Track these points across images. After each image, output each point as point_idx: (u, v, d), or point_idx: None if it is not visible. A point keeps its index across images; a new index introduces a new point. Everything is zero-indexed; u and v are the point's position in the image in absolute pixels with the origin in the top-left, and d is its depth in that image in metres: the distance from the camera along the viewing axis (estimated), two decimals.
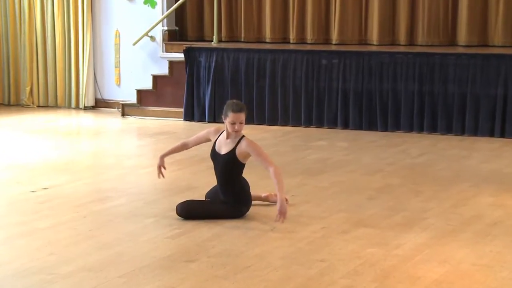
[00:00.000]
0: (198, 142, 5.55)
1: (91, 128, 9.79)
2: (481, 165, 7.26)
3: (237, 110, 5.19)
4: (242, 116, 5.21)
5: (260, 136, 8.89)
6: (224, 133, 5.36)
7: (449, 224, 5.28)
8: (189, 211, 5.30)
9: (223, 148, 5.32)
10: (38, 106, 11.18)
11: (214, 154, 5.38)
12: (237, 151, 5.25)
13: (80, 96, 11.03)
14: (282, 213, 5.01)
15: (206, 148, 8.12)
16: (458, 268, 4.41)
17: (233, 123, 5.20)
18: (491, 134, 8.67)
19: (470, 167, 7.20)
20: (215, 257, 4.58)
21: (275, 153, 7.88)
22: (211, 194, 5.56)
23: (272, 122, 9.60)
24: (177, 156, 7.69)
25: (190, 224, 5.25)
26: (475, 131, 8.76)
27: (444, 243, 4.87)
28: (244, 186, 5.36)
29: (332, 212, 5.56)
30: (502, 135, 8.62)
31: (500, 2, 9.40)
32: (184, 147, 5.61)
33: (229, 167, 5.28)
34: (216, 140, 5.40)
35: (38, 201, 5.88)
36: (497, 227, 5.22)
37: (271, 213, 5.52)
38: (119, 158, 7.73)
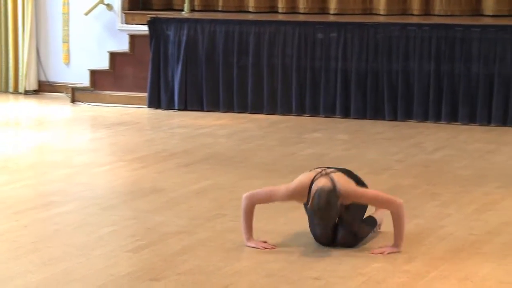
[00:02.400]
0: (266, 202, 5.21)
1: (34, 117, 9.77)
2: (511, 162, 7.31)
3: (318, 213, 4.83)
4: (327, 220, 4.87)
5: (242, 126, 8.92)
6: None
7: (472, 234, 5.32)
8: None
9: None
10: None
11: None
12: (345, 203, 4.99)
13: (20, 78, 11.00)
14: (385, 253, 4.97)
15: (175, 142, 8.22)
16: (482, 287, 4.45)
17: (318, 223, 4.96)
18: None
19: (498, 164, 7.25)
20: (185, 275, 4.59)
21: (260, 147, 7.91)
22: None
23: (257, 109, 9.62)
24: (139, 151, 7.73)
25: (156, 235, 5.27)
26: (504, 121, 8.82)
27: (465, 256, 4.91)
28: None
29: None
30: None
31: None
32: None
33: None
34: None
35: None
36: None
37: (254, 222, 5.55)
38: (68, 154, 7.73)
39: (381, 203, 5.04)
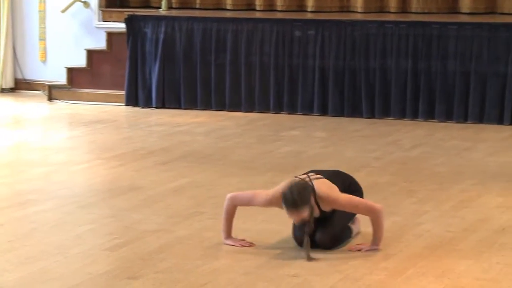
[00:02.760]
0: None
1: (10, 115, 9.73)
2: (487, 159, 7.35)
3: (290, 206, 4.80)
4: (300, 213, 4.81)
5: (220, 124, 8.92)
6: None
7: (449, 231, 5.35)
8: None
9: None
10: None
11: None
12: (324, 208, 4.98)
13: None
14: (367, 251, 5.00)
15: (153, 140, 8.21)
16: (458, 284, 4.47)
17: (290, 217, 4.94)
18: (500, 121, 8.79)
19: (474, 161, 7.29)
20: (163, 273, 4.59)
21: (238, 145, 7.92)
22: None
23: (235, 107, 9.62)
24: (116, 149, 7.71)
25: (134, 233, 5.26)
26: (481, 118, 8.87)
27: (442, 253, 4.94)
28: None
29: None
30: None
31: None
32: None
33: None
34: None
35: None
36: (506, 233, 5.30)
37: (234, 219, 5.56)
38: (45, 152, 7.70)
39: (361, 210, 5.03)
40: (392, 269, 4.67)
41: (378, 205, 4.98)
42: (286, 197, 4.79)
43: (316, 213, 4.91)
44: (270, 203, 4.99)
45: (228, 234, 5.08)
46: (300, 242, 4.94)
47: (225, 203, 5.08)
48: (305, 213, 4.82)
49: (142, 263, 4.74)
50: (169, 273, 4.59)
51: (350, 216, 5.12)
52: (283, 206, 4.83)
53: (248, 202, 5.09)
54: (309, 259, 4.78)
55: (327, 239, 4.98)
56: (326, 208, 4.96)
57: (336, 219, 5.04)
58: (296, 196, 4.78)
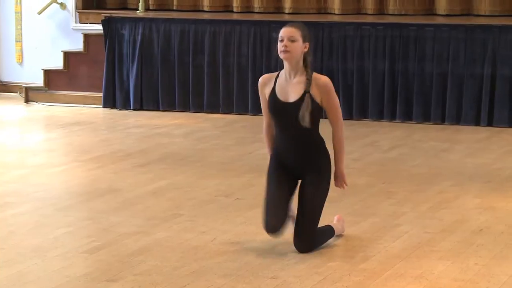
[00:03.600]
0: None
1: None
2: (464, 160, 7.39)
3: (287, 25, 4.85)
4: (295, 33, 4.80)
5: (198, 126, 8.92)
6: (283, 73, 4.93)
7: (427, 232, 5.37)
8: (313, 239, 4.97)
9: (291, 93, 4.88)
10: None
11: (278, 107, 4.89)
12: (313, 92, 4.84)
13: None
14: (340, 184, 5.08)
15: (131, 142, 8.19)
16: (437, 285, 4.49)
17: (280, 40, 4.83)
18: (477, 122, 8.84)
19: (452, 162, 7.33)
20: (142, 276, 4.58)
21: (216, 147, 7.91)
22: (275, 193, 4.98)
23: (213, 109, 9.62)
24: (94, 151, 7.69)
25: (112, 235, 5.25)
26: (458, 119, 8.91)
27: (420, 254, 4.96)
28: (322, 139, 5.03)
29: None
30: (490, 123, 8.80)
31: None
32: (271, 130, 5.06)
33: (301, 121, 4.85)
34: (273, 88, 4.93)
35: None
36: (484, 234, 5.33)
37: (211, 221, 5.56)
38: (22, 154, 7.66)
39: (337, 115, 4.95)
40: (371, 270, 4.69)
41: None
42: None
43: (307, 86, 4.84)
44: (261, 91, 4.99)
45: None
46: (271, 228, 4.88)
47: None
48: (298, 40, 4.81)
49: (120, 266, 4.73)
50: (148, 276, 4.58)
51: (324, 198, 5.03)
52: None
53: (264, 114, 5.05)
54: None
55: (305, 246, 4.94)
56: (317, 91, 4.84)
57: (312, 203, 4.95)
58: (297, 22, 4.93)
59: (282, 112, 4.91)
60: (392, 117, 9.11)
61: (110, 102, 9.95)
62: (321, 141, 5.00)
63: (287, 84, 4.91)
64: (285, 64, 4.91)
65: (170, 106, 9.76)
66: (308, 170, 4.95)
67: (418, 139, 8.26)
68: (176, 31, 9.71)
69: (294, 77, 4.90)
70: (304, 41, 4.85)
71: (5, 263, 4.77)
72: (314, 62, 5.02)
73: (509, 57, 8.74)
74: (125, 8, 10.63)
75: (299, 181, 5.03)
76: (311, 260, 4.83)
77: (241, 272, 4.65)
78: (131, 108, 9.83)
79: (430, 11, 9.83)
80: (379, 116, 9.15)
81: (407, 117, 9.07)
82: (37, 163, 7.29)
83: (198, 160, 7.40)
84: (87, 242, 5.14)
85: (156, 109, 9.76)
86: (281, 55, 4.87)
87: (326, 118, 5.05)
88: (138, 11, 10.21)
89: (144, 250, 4.99)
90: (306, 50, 4.88)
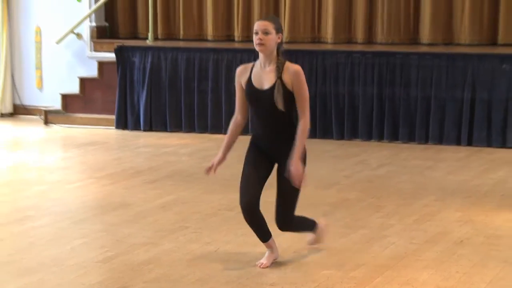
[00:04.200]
0: (243, 101, 4.93)
1: (9, 138, 9.69)
2: (446, 177, 7.40)
3: (261, 19, 4.80)
4: (268, 26, 4.73)
5: (202, 146, 8.92)
6: (258, 63, 4.87)
7: (412, 243, 5.38)
8: (290, 221, 4.89)
9: (265, 81, 4.81)
10: None
11: (254, 94, 4.83)
12: (285, 78, 4.77)
13: None
14: (294, 176, 4.70)
15: (141, 160, 8.20)
16: None
17: (255, 33, 4.75)
18: (458, 142, 8.85)
19: (435, 179, 7.34)
20: (152, 283, 4.59)
21: (220, 165, 7.90)
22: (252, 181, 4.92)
23: (216, 130, 9.63)
24: (107, 169, 7.69)
25: (124, 246, 5.25)
26: (440, 139, 8.92)
27: (407, 263, 4.97)
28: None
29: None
30: (469, 143, 8.80)
31: None
32: (238, 127, 5.06)
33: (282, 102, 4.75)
34: (249, 77, 4.87)
35: None
36: (464, 245, 5.34)
37: (214, 233, 5.56)
38: (41, 172, 7.67)
39: (304, 105, 4.77)
40: (361, 278, 4.69)
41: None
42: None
43: (278, 72, 4.76)
44: (237, 81, 4.91)
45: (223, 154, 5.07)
46: (244, 205, 4.82)
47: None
48: (272, 33, 4.74)
49: (132, 274, 4.73)
50: (157, 283, 4.58)
51: (297, 194, 4.92)
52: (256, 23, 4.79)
53: (241, 105, 4.98)
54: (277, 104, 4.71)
55: (284, 225, 4.88)
56: (288, 78, 4.76)
57: (288, 195, 4.88)
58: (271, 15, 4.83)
59: (258, 99, 4.84)
60: (380, 138, 9.12)
61: (122, 123, 9.96)
62: (296, 127, 4.83)
63: (262, 73, 4.84)
64: (260, 55, 4.84)
65: (177, 127, 9.77)
66: (283, 154, 4.82)
67: (404, 158, 8.27)
68: (182, 59, 9.73)
69: (268, 66, 4.83)
70: (277, 32, 4.80)
71: (26, 271, 4.77)
72: (285, 55, 4.88)
73: (487, 82, 8.76)
74: (136, 38, 10.66)
75: (276, 165, 4.94)
76: (306, 268, 4.84)
77: (242, 280, 4.65)
78: (141, 129, 9.84)
79: (415, 41, 9.86)
80: (368, 137, 9.16)
81: (394, 137, 9.08)
82: (55, 179, 7.29)
83: (203, 177, 7.32)
84: (101, 252, 5.15)
85: (164, 130, 9.77)
86: (257, 48, 4.80)
87: None
88: (147, 41, 10.24)
89: (153, 259, 4.99)
90: (279, 41, 4.83)
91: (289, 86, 4.77)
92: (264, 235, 4.91)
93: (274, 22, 4.81)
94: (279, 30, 4.81)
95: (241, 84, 4.91)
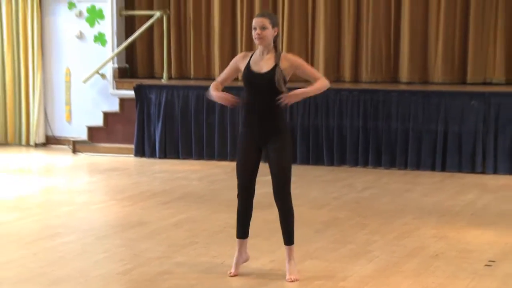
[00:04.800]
0: (229, 77, 4.90)
1: (42, 165, 9.69)
2: (423, 198, 7.38)
3: (258, 15, 4.76)
4: (265, 21, 4.70)
5: (211, 171, 8.92)
6: (257, 52, 4.82)
7: (394, 256, 5.36)
8: (287, 193, 4.89)
9: (264, 66, 4.76)
10: None
11: (252, 76, 4.77)
12: (282, 65, 4.76)
13: (31, 133, 10.92)
14: (290, 95, 4.73)
15: (157, 184, 8.19)
16: None
17: (254, 29, 4.72)
18: (433, 168, 8.84)
19: (413, 200, 7.32)
20: None
21: (225, 188, 7.90)
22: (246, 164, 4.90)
23: (222, 157, 9.63)
24: (127, 191, 7.69)
25: (142, 259, 5.23)
26: (418, 166, 8.92)
27: (389, 274, 4.95)
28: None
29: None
30: (443, 169, 8.80)
31: (439, 41, 9.64)
32: (218, 87, 4.90)
33: (276, 86, 4.72)
34: (248, 62, 4.81)
35: None
36: (439, 258, 5.32)
37: (221, 248, 5.54)
38: (70, 194, 7.66)
39: (314, 73, 4.92)
40: (349, 287, 4.66)
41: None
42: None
43: (276, 59, 4.75)
44: (236, 61, 4.86)
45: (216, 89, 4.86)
46: (241, 186, 4.85)
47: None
48: (268, 27, 4.71)
49: (149, 284, 4.71)
50: None
51: (290, 162, 4.95)
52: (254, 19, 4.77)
53: (225, 77, 4.91)
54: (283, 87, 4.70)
55: (282, 203, 4.93)
56: (286, 65, 4.77)
57: (282, 173, 4.93)
58: (267, 11, 4.80)
59: (255, 80, 4.79)
60: (365, 164, 9.11)
61: (140, 152, 9.96)
62: (283, 110, 4.86)
63: (261, 60, 4.81)
64: (259, 47, 4.82)
65: (188, 155, 9.77)
66: (271, 135, 4.80)
67: (386, 182, 8.26)
68: (193, 96, 9.76)
69: (267, 54, 4.81)
70: (273, 27, 4.77)
71: (55, 282, 4.75)
72: (280, 44, 4.93)
73: (458, 117, 8.77)
74: (153, 77, 10.69)
75: (262, 151, 4.91)
76: (301, 279, 4.81)
77: None
78: (157, 157, 9.84)
79: (395, 79, 9.89)
80: (355, 163, 9.15)
81: (377, 164, 9.07)
82: (81, 201, 7.28)
83: (211, 199, 7.40)
84: (121, 265, 5.13)
85: (177, 157, 9.77)
86: (256, 41, 4.78)
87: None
88: (162, 80, 10.28)
89: (167, 271, 4.97)
90: (276, 34, 4.81)
91: (285, 73, 4.80)
92: (242, 229, 4.93)
93: (270, 18, 4.80)
94: (275, 24, 4.79)
95: (238, 67, 4.88)
